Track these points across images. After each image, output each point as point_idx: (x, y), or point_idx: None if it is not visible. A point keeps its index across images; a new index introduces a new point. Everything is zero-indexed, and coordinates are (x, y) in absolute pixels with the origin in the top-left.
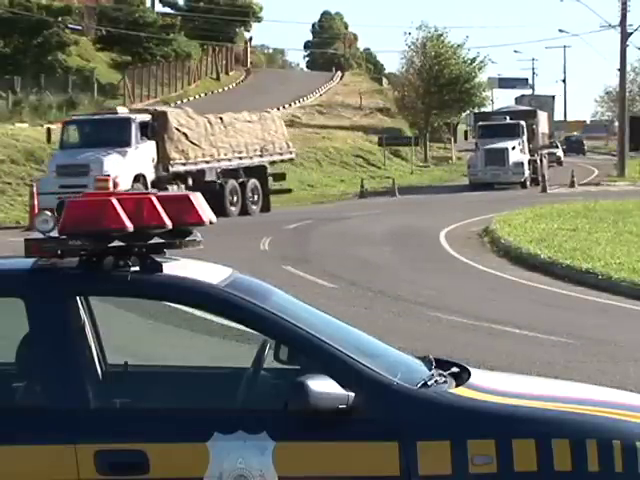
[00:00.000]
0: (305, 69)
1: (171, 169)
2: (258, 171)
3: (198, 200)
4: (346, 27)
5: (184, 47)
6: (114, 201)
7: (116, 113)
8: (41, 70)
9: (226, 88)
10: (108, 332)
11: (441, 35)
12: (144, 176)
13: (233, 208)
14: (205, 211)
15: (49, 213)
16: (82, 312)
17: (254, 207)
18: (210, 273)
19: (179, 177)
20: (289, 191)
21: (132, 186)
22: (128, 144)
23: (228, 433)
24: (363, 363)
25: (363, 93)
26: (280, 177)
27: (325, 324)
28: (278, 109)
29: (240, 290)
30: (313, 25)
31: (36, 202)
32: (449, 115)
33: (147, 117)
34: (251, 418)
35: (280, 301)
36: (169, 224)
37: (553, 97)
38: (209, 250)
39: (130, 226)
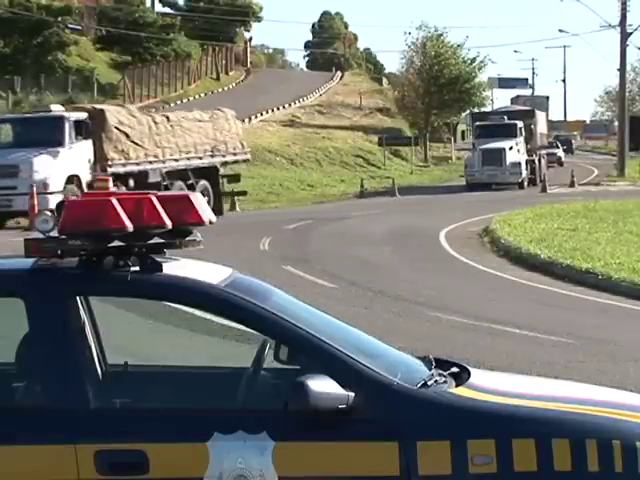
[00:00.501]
0: (305, 69)
1: (109, 170)
2: (209, 172)
3: (198, 200)
4: (346, 27)
5: (184, 47)
6: (114, 201)
7: (50, 111)
8: (41, 70)
9: (226, 88)
10: (108, 332)
11: (441, 35)
12: (78, 177)
13: None
14: (205, 211)
15: (49, 213)
16: (82, 312)
17: None
18: (210, 273)
19: (119, 178)
20: (244, 193)
21: (65, 188)
22: (61, 144)
23: (228, 433)
24: (363, 363)
25: (363, 93)
26: (234, 179)
27: (325, 324)
28: (278, 109)
29: (240, 290)
30: (313, 25)
31: (36, 202)
32: (449, 115)
33: (83, 115)
34: (251, 418)
35: (280, 301)
36: (169, 224)
37: (547, 98)
38: (209, 250)
39: (130, 226)
